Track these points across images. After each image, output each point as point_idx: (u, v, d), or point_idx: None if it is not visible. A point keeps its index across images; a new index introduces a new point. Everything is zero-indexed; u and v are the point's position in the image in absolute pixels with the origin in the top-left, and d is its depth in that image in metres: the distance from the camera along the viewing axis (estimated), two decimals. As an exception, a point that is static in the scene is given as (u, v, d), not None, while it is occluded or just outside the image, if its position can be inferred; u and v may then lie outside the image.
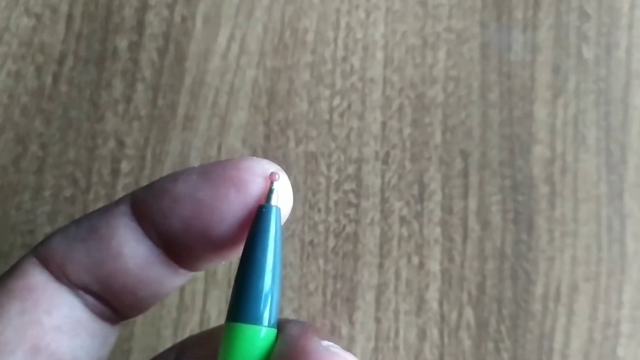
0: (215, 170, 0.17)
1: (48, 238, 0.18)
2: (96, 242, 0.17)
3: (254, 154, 0.28)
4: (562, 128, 0.29)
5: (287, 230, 0.28)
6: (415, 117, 0.29)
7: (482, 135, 0.28)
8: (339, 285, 0.27)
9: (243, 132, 0.29)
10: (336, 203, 0.28)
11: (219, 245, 0.17)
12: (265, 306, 0.16)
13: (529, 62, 0.29)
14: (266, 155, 0.28)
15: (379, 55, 0.29)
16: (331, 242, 0.27)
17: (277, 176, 0.17)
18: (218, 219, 0.16)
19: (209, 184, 0.17)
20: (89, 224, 0.17)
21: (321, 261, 0.27)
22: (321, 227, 0.28)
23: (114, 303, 0.18)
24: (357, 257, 0.27)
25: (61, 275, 0.17)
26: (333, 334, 0.27)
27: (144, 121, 0.29)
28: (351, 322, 0.27)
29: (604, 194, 0.28)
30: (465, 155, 0.28)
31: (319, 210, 0.28)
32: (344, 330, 0.27)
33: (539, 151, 0.28)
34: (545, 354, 0.27)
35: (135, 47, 0.29)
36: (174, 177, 0.17)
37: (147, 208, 0.17)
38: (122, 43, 0.29)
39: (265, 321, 0.16)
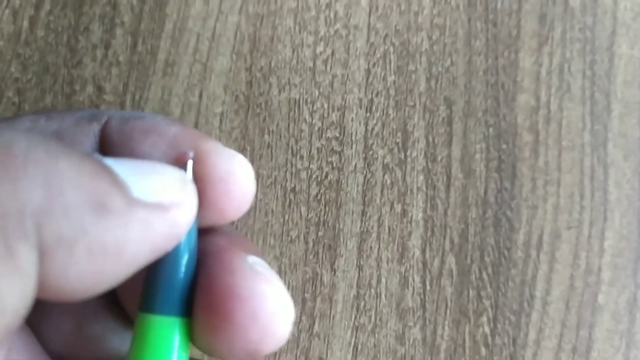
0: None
1: None
2: None
3: (236, 100, 0.28)
4: (547, 76, 0.28)
5: (269, 178, 0.27)
6: (399, 64, 0.28)
7: (467, 83, 0.28)
8: (321, 233, 0.27)
9: (225, 78, 0.28)
10: (319, 150, 0.27)
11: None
12: (175, 296, 0.16)
13: (515, 9, 0.29)
14: (248, 102, 0.28)
15: (364, 1, 0.29)
16: (314, 190, 0.27)
17: (190, 154, 0.15)
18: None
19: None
20: None
21: (303, 208, 0.27)
22: (304, 175, 0.27)
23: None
24: (340, 204, 0.27)
25: None
26: (314, 281, 0.27)
27: (123, 67, 0.28)
28: (333, 270, 0.27)
29: (587, 142, 0.28)
30: (449, 103, 0.28)
31: (302, 158, 0.27)
32: (326, 278, 0.27)
33: (524, 99, 0.28)
34: (526, 301, 0.27)
35: (114, -9, 0.29)
36: None
37: None
38: (101, -13, 0.29)
39: (175, 311, 0.16)
